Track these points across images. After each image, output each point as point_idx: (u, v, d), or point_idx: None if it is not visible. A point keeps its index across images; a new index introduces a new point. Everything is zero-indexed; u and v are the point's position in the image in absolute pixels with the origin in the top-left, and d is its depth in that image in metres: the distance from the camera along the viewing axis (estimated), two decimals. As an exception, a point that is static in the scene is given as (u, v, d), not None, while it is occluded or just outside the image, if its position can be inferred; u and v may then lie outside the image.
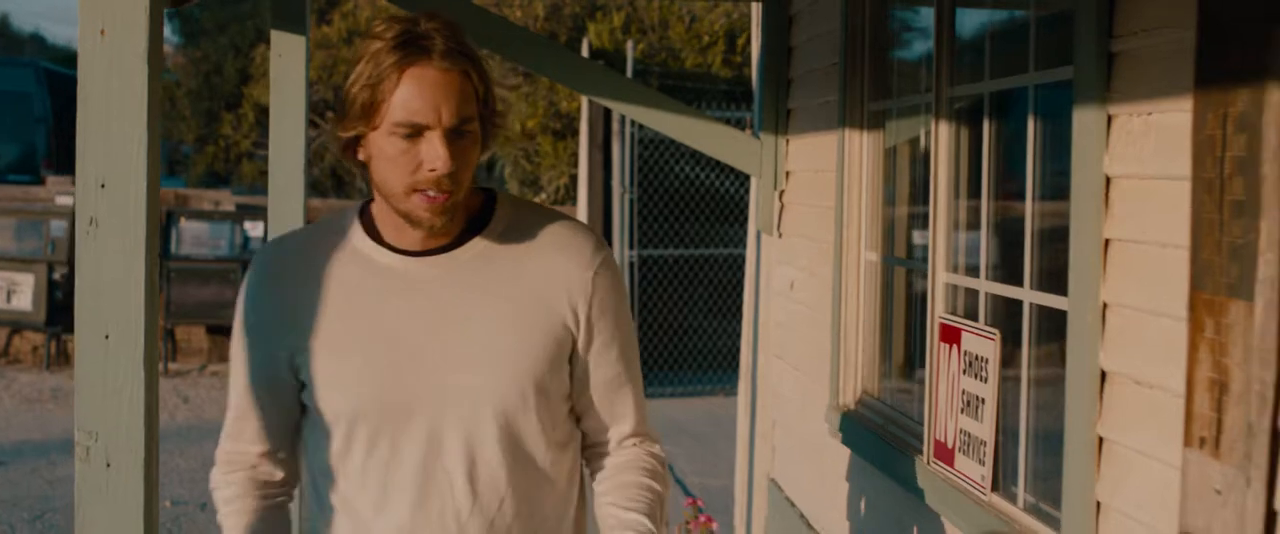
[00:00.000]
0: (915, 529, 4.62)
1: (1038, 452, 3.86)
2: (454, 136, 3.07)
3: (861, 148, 5.44)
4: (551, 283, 3.24)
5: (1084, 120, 3.35)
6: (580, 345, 3.27)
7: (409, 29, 3.09)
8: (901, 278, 5.19)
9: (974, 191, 4.41)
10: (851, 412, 5.40)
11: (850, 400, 5.50)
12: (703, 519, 7.65)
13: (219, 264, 18.00)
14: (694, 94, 17.00)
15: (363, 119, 3.10)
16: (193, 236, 18.04)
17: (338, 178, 24.94)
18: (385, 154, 3.10)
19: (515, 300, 3.22)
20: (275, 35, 6.16)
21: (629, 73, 16.65)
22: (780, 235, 6.78)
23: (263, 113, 24.22)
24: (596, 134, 16.60)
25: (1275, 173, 2.54)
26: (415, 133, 3.06)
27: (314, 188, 23.29)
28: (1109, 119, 3.30)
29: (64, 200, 19.09)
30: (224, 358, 18.99)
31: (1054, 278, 3.70)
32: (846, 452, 5.36)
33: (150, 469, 3.38)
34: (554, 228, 3.30)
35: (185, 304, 17.73)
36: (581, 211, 17.23)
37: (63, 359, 19.14)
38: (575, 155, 18.37)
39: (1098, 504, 3.34)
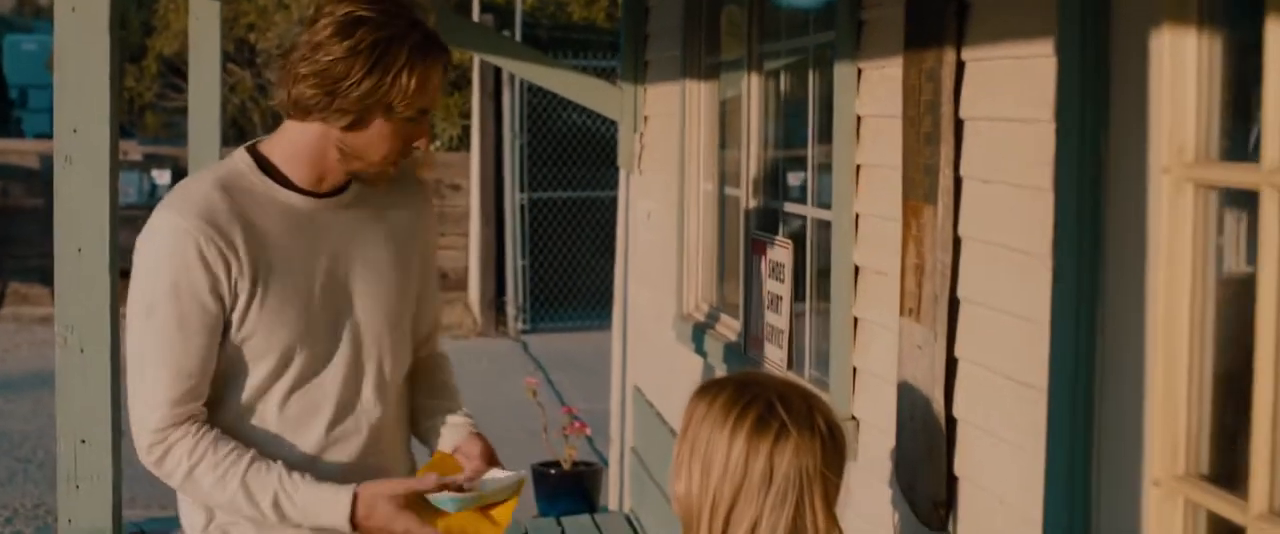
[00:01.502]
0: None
1: (816, 334, 4.84)
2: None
3: (700, 95, 6.40)
4: (407, 212, 3.59)
5: (842, 73, 4.31)
6: (425, 256, 3.68)
7: (424, 29, 3.35)
8: (732, 205, 6.15)
9: (775, 130, 5.39)
10: (692, 318, 6.37)
11: (691, 309, 6.47)
12: (577, 425, 8.54)
13: (128, 211, 18.51)
14: (580, 46, 17.75)
15: (382, 105, 3.32)
16: (102, 185, 18.61)
17: (239, 128, 25.49)
18: (384, 133, 3.37)
19: (392, 234, 3.55)
20: (194, 1, 7.02)
21: (518, 26, 17.46)
22: (640, 173, 7.72)
23: (166, 65, 24.60)
24: (487, 84, 17.33)
25: (949, 111, 3.51)
26: (419, 117, 3.39)
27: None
28: (859, 72, 4.26)
29: (-21, 151, 19.60)
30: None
31: (827, 196, 4.67)
32: (688, 352, 6.32)
33: (115, 353, 4.27)
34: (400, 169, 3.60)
35: (95, 249, 18.32)
36: (474, 158, 17.98)
37: (-21, 302, 19.71)
38: (469, 107, 19.08)
39: (854, 369, 4.30)
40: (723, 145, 6.27)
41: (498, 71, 16.94)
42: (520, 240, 17.72)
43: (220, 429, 3.41)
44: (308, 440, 3.46)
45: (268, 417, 3.44)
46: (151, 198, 18.84)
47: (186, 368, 3.35)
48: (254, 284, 3.36)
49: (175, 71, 23.71)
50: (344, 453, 3.50)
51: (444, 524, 3.34)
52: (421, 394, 3.73)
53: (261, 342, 3.39)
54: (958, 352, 3.54)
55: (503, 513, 3.41)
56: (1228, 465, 2.58)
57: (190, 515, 3.58)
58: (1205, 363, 2.64)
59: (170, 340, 3.35)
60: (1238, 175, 2.53)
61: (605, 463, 9.18)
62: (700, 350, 6.09)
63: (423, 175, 3.74)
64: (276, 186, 3.43)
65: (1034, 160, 3.11)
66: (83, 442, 4.20)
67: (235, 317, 3.36)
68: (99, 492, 4.23)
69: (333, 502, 3.32)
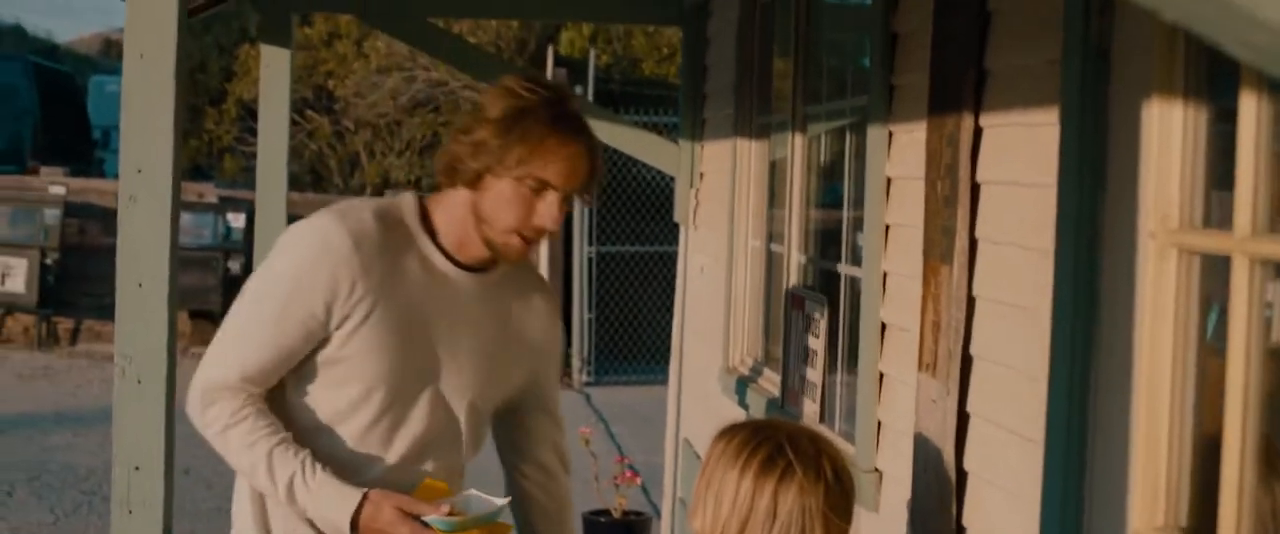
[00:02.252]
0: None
1: (846, 388, 4.98)
2: (566, 200, 3.59)
3: (750, 153, 6.57)
4: (535, 320, 3.86)
5: (874, 135, 4.47)
6: (540, 374, 3.95)
7: (563, 104, 3.59)
8: (778, 261, 6.30)
9: (817, 189, 5.56)
10: (737, 371, 6.52)
11: (737, 362, 6.63)
12: (629, 475, 8.70)
13: (202, 252, 18.89)
14: (652, 101, 17.94)
15: (509, 165, 3.52)
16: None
17: (316, 174, 25.81)
18: (505, 196, 3.55)
19: (509, 327, 3.80)
20: (264, 49, 7.24)
21: (591, 81, 17.67)
22: (696, 228, 7.88)
23: (245, 109, 24.96)
24: (559, 137, 17.53)
25: (966, 174, 3.66)
26: (540, 189, 3.54)
27: (292, 183, 24.25)
28: (890, 135, 4.41)
29: (56, 190, 19.95)
30: (205, 341, 19.93)
31: (860, 254, 4.82)
32: (733, 405, 6.47)
33: (170, 385, 4.46)
34: (533, 275, 3.95)
35: (170, 289, 18.63)
36: (545, 208, 18.17)
37: (52, 339, 20.01)
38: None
39: (879, 423, 4.45)
40: (771, 202, 6.43)
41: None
42: (587, 293, 17.90)
43: (292, 433, 3.62)
44: (363, 480, 3.64)
45: (335, 444, 3.66)
46: (226, 240, 19.12)
47: (267, 356, 3.62)
48: (367, 316, 3.59)
49: (254, 116, 24.06)
50: (397, 485, 3.65)
51: None
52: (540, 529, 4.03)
53: (353, 369, 3.62)
54: (969, 406, 3.68)
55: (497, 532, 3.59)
56: (1201, 518, 2.71)
57: (243, 518, 3.78)
58: (1185, 420, 2.77)
59: (265, 326, 3.62)
60: (1214, 242, 2.66)
61: (658, 513, 9.32)
62: (743, 403, 6.24)
63: (555, 307, 3.96)
64: (427, 239, 3.68)
65: (1040, 223, 3.25)
66: (137, 469, 4.38)
67: (338, 335, 3.60)
68: (150, 517, 4.41)
69: (343, 497, 3.52)
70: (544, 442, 4.01)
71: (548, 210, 3.55)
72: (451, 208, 3.66)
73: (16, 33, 60.02)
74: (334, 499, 3.54)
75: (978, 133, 3.67)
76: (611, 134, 8.15)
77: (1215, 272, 2.69)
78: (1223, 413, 2.56)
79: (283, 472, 3.56)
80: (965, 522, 3.69)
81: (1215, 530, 2.57)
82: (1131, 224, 2.88)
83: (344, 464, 3.65)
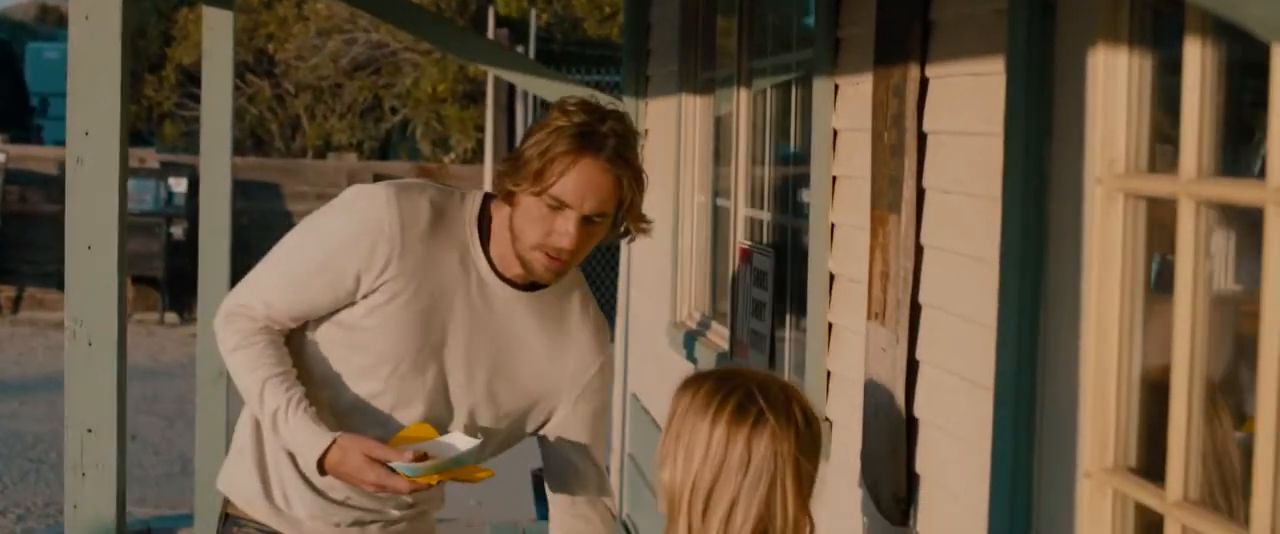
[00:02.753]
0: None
1: (794, 339, 5.02)
2: (587, 221, 3.57)
3: (695, 110, 6.59)
4: (571, 357, 3.85)
5: (820, 88, 4.50)
6: (571, 415, 3.89)
7: (593, 124, 3.58)
8: (724, 216, 6.33)
9: (763, 143, 5.58)
10: (684, 326, 6.55)
11: (684, 317, 6.66)
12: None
13: (144, 218, 18.85)
14: (594, 61, 18.00)
15: (527, 180, 3.56)
16: (119, 192, 18.89)
17: (257, 138, 25.74)
18: (530, 211, 3.59)
19: (541, 351, 3.81)
20: (207, 11, 7.22)
21: (532, 41, 17.70)
22: (642, 184, 7.91)
23: (184, 74, 24.86)
24: (501, 98, 17.61)
25: (913, 125, 3.70)
26: (558, 206, 3.55)
27: (234, 147, 24.12)
28: (836, 88, 4.44)
29: (-4, 156, 19.87)
30: (149, 307, 19.88)
31: (807, 206, 4.86)
32: (681, 359, 6.51)
33: (121, 348, 4.47)
34: (589, 304, 3.93)
35: (112, 255, 18.60)
36: (487, 169, 18.23)
37: (-8, 306, 19.96)
38: (484, 120, 19.31)
39: (828, 372, 4.49)
40: (717, 158, 6.46)
41: (511, 86, 17.17)
42: (531, 253, 17.92)
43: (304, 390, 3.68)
44: (367, 431, 3.69)
45: (337, 401, 3.74)
46: (168, 205, 19.07)
47: (292, 299, 3.71)
48: (395, 295, 3.66)
49: (194, 81, 23.92)
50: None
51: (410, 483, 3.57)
52: None
53: (367, 339, 3.70)
54: (918, 354, 3.72)
55: (465, 475, 3.62)
56: (1150, 458, 2.75)
57: (247, 482, 3.86)
58: (1133, 363, 2.81)
59: (298, 274, 3.72)
60: (1159, 186, 2.70)
61: (608, 469, 9.37)
62: (691, 357, 6.27)
63: (606, 349, 3.95)
64: (476, 242, 3.73)
65: (987, 172, 3.29)
66: (89, 431, 4.40)
67: (363, 304, 3.68)
68: (103, 479, 4.43)
69: (315, 438, 3.58)
70: (581, 488, 3.94)
71: (564, 228, 3.56)
72: (499, 220, 3.72)
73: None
74: (308, 439, 3.59)
75: (924, 83, 3.70)
76: (556, 93, 8.15)
77: (1161, 216, 2.72)
78: (1170, 355, 2.60)
79: (271, 401, 3.62)
80: (918, 468, 3.73)
81: (1163, 469, 2.61)
82: (1078, 171, 2.92)
83: (341, 425, 3.70)
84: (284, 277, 3.75)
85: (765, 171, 5.60)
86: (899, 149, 3.77)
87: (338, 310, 3.72)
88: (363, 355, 3.73)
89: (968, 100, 3.46)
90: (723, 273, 6.33)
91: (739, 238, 5.72)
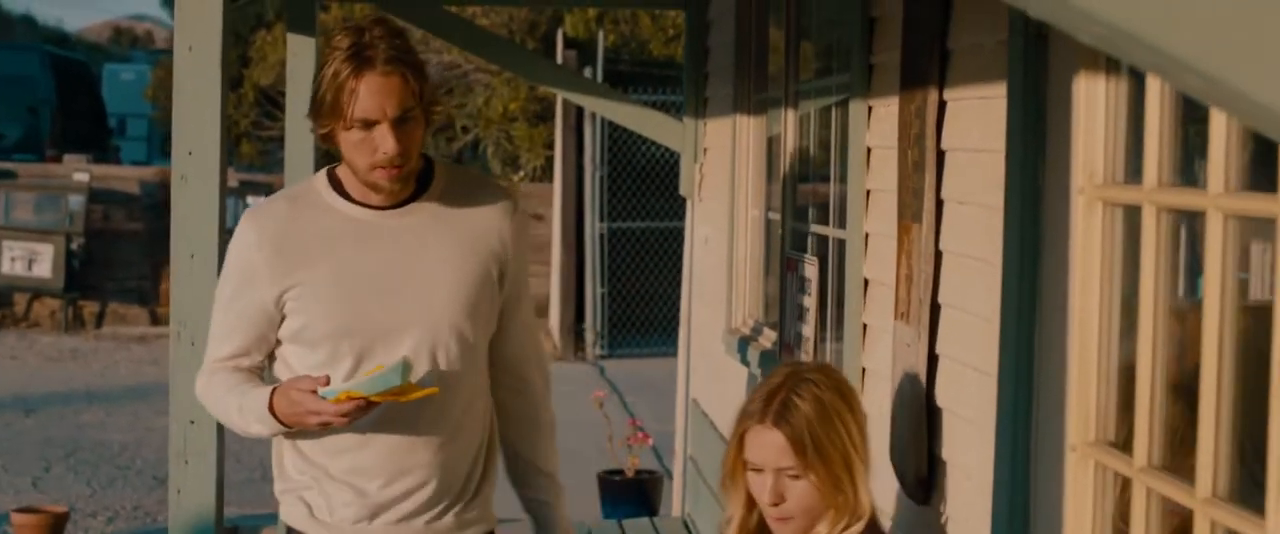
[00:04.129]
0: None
1: (833, 340, 5.44)
2: (399, 124, 3.80)
3: (748, 129, 7.03)
4: (485, 223, 4.03)
5: (855, 109, 4.93)
6: (510, 267, 4.09)
7: (357, 41, 3.78)
8: (775, 228, 6.76)
9: (808, 160, 6.02)
10: (739, 332, 6.99)
11: (739, 323, 7.09)
12: (640, 436, 9.17)
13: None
14: (658, 81, 18.34)
15: (330, 118, 3.83)
16: (200, 210, 19.40)
17: (329, 158, 26.17)
18: (349, 141, 3.84)
19: (457, 241, 3.99)
20: (290, 37, 7.67)
21: (600, 62, 18.11)
22: (701, 200, 8.34)
23: (262, 94, 25.36)
24: (569, 117, 17.99)
25: (932, 143, 4.12)
26: (368, 126, 3.80)
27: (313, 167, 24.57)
28: (869, 109, 4.87)
29: (80, 177, 20.40)
30: (227, 322, 20.40)
31: (844, 218, 5.28)
32: (736, 363, 6.93)
33: (221, 347, 4.91)
34: (481, 185, 4.14)
35: (193, 272, 19.11)
36: (556, 188, 18.61)
37: (78, 323, 20.48)
38: (552, 139, 19.68)
39: (862, 370, 4.91)
40: (768, 174, 6.89)
41: (579, 106, 17.56)
42: (599, 268, 18.34)
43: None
44: (360, 427, 3.93)
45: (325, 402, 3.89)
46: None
47: (238, 339, 4.02)
48: (302, 283, 3.94)
49: (270, 101, 24.48)
50: (391, 431, 3.99)
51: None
52: (513, 441, 4.28)
53: (313, 332, 3.96)
54: (939, 349, 4.14)
55: (399, 394, 3.81)
56: (1122, 432, 3.16)
57: (295, 509, 4.13)
58: (1110, 350, 3.22)
59: (226, 317, 4.06)
60: (1128, 194, 3.12)
61: (670, 474, 9.79)
62: (744, 360, 6.69)
63: (518, 204, 4.16)
64: (340, 200, 4.00)
65: (993, 184, 3.70)
66: (191, 423, 4.83)
67: (288, 309, 3.97)
68: (204, 467, 4.86)
69: (260, 398, 3.91)
70: (515, 348, 4.19)
71: (383, 140, 3.81)
72: (343, 166, 3.99)
73: (27, 22, 60.46)
74: (256, 404, 3.92)
75: (942, 106, 4.11)
76: (620, 113, 8.63)
77: (1136, 220, 3.14)
78: (1137, 342, 3.01)
79: (232, 408, 3.99)
80: (942, 453, 4.14)
81: (1131, 442, 3.03)
82: (1065, 182, 3.33)
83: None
84: (219, 326, 4.08)
85: (810, 186, 6.05)
86: (921, 165, 4.18)
87: (282, 327, 4.00)
88: (320, 348, 3.96)
89: (977, 120, 3.88)
90: (773, 282, 6.75)
91: (787, 248, 6.15)
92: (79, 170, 20.70)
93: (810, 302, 5.52)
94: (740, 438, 3.75)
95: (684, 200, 8.68)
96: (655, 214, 18.48)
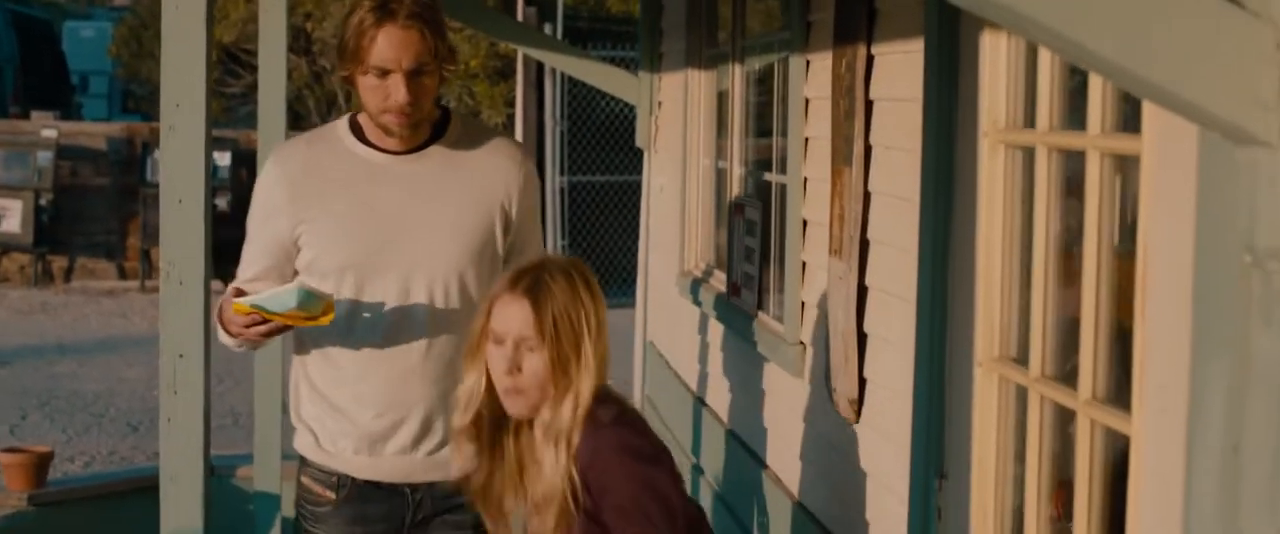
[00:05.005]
0: (719, 342, 6.63)
1: (775, 278, 5.84)
2: (412, 76, 4.13)
3: (700, 82, 7.42)
4: (493, 173, 4.35)
5: (794, 63, 5.32)
6: (514, 217, 4.38)
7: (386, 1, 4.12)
8: (723, 176, 7.15)
9: (753, 111, 6.42)
10: (691, 274, 7.39)
11: (691, 267, 7.49)
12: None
13: (190, 190, 19.52)
14: (617, 37, 18.66)
15: (351, 62, 4.17)
16: (166, 165, 19.59)
17: (295, 113, 26.44)
18: (366, 86, 4.18)
19: (465, 188, 4.30)
20: (262, -5, 8.00)
21: (559, 17, 18.40)
22: (656, 151, 8.73)
23: (225, 52, 25.58)
24: (530, 73, 18.28)
25: (861, 93, 4.51)
26: (384, 74, 4.14)
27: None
28: (807, 63, 5.26)
29: (48, 133, 20.61)
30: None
31: (785, 164, 5.68)
32: (687, 304, 7.33)
33: (206, 285, 5.27)
34: (493, 137, 4.46)
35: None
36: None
37: (47, 277, 20.75)
38: (513, 95, 19.94)
39: (801, 304, 5.31)
40: (718, 125, 7.28)
41: (540, 62, 17.84)
42: (561, 221, 18.66)
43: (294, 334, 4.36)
44: (362, 343, 4.30)
45: (337, 321, 4.25)
46: (213, 178, 19.67)
47: (253, 265, 4.43)
48: (314, 218, 4.31)
49: (233, 59, 24.71)
50: (386, 365, 4.32)
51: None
52: None
53: (321, 263, 4.32)
54: (867, 281, 4.54)
55: (296, 318, 4.16)
56: (1021, 347, 3.57)
57: (304, 438, 4.51)
58: (1011, 277, 3.63)
59: (249, 244, 4.48)
60: (1024, 137, 3.52)
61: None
62: (696, 301, 7.09)
63: (530, 156, 4.52)
64: (357, 143, 4.34)
65: (913, 131, 4.10)
66: (180, 356, 5.15)
67: (303, 238, 4.34)
68: (193, 397, 5.18)
69: (221, 309, 4.39)
70: None
71: (396, 88, 4.14)
72: (363, 113, 4.34)
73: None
74: (214, 319, 4.36)
75: (870, 60, 4.51)
76: (579, 68, 9.00)
77: (1028, 160, 3.54)
78: (1032, 270, 3.42)
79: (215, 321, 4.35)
80: (866, 374, 4.55)
81: (1028, 356, 3.44)
82: (973, 127, 3.74)
83: (343, 342, 4.32)
84: (247, 254, 4.47)
85: (754, 135, 6.45)
86: (851, 114, 4.58)
87: (294, 261, 4.37)
88: (328, 279, 4.29)
89: (901, 73, 4.27)
90: (723, 227, 7.15)
91: (735, 195, 6.55)
92: (47, 127, 20.91)
93: (755, 243, 5.91)
94: (488, 309, 3.79)
95: (642, 154, 9.02)
96: (615, 168, 18.75)
